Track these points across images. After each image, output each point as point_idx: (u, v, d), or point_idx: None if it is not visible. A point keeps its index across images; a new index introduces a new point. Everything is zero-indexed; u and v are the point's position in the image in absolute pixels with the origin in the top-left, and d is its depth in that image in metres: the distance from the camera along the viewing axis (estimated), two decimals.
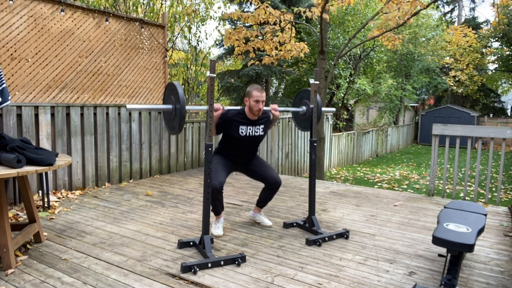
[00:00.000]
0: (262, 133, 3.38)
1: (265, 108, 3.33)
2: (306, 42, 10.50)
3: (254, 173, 3.50)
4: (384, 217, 3.96)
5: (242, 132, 3.27)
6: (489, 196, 5.65)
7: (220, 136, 3.48)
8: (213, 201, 3.38)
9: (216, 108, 2.94)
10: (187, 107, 2.80)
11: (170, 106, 2.75)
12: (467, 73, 20.54)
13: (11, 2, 4.15)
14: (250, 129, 3.29)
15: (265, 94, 3.22)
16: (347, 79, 15.53)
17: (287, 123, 8.74)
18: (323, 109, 3.75)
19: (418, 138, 21.33)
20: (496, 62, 22.84)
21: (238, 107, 3.34)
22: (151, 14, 7.67)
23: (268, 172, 3.47)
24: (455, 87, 21.02)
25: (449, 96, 24.17)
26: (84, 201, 4.41)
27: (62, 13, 4.61)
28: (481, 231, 2.48)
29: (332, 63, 7.88)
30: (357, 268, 2.72)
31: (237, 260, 2.73)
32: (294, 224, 3.61)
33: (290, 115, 10.24)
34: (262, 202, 3.64)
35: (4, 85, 3.69)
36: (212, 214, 3.68)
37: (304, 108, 3.57)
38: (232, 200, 4.49)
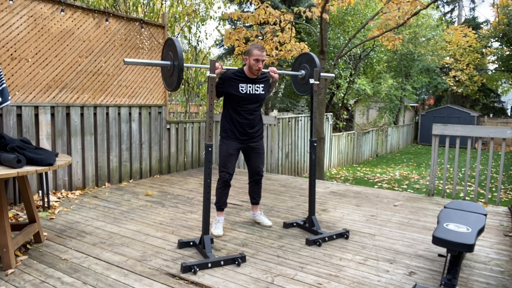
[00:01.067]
0: (263, 92, 3.37)
1: (263, 70, 3.37)
2: (306, 42, 10.48)
3: (249, 156, 3.50)
4: (384, 217, 3.96)
5: (242, 90, 3.28)
6: (489, 196, 5.65)
7: (223, 124, 3.44)
8: (220, 194, 3.40)
9: (215, 67, 2.94)
10: (185, 65, 2.83)
11: (168, 62, 2.80)
12: (467, 73, 20.52)
13: (11, 2, 4.15)
14: (250, 87, 3.30)
15: (265, 54, 3.24)
16: (347, 79, 15.52)
17: (287, 123, 8.74)
18: (322, 74, 3.79)
19: (418, 138, 21.32)
20: (496, 62, 22.81)
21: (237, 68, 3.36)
22: (151, 14, 7.66)
23: (256, 162, 3.50)
24: (455, 87, 21.01)
25: (449, 96, 24.16)
26: (84, 201, 4.41)
27: (62, 13, 4.61)
28: (481, 231, 2.48)
29: (332, 63, 7.88)
30: (357, 268, 2.72)
31: (237, 260, 2.73)
32: (294, 224, 3.61)
33: (290, 115, 10.24)
34: (252, 197, 3.67)
35: (4, 85, 3.69)
36: (212, 214, 3.68)
37: (303, 72, 3.62)
38: (232, 200, 4.49)
